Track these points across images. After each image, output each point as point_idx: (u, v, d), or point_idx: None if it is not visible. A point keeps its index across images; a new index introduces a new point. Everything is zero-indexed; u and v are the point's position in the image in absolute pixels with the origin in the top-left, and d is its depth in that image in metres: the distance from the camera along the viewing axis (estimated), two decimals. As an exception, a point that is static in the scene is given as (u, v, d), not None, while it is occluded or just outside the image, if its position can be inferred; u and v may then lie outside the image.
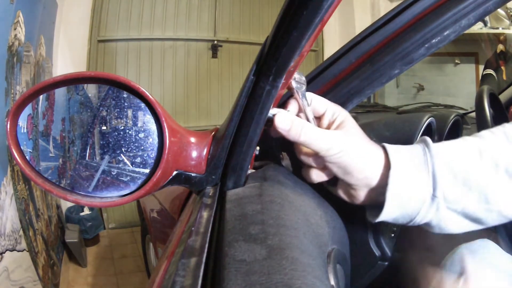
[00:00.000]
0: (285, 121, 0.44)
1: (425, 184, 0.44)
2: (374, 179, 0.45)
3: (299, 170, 0.52)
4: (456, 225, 0.47)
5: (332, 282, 0.34)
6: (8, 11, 1.41)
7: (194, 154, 0.46)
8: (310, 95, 0.48)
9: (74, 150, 0.42)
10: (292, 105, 0.48)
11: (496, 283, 0.46)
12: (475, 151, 0.45)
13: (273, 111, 0.45)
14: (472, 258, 0.48)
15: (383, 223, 0.56)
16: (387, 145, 0.46)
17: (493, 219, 0.46)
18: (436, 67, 2.96)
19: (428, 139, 0.47)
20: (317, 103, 0.48)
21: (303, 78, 0.47)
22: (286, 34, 0.36)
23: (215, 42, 3.10)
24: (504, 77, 2.49)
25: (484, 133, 0.47)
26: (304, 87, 0.47)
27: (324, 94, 0.54)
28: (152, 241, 1.57)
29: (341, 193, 0.49)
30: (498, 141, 0.46)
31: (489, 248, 0.50)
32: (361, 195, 0.47)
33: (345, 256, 0.47)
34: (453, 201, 0.44)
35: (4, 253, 1.28)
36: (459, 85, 2.82)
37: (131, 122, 0.41)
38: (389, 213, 0.45)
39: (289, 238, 0.33)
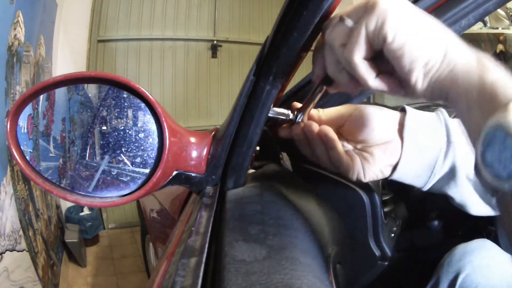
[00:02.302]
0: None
1: (440, 133, 0.46)
2: (391, 135, 0.46)
3: (299, 170, 0.52)
4: (470, 199, 0.47)
5: (332, 282, 0.34)
6: (8, 11, 1.41)
7: (194, 154, 0.46)
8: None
9: (74, 150, 0.42)
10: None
11: (494, 282, 0.46)
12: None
13: (273, 110, 0.45)
14: (470, 257, 0.48)
15: (383, 222, 0.56)
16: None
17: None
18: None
19: (441, 109, 0.49)
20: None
21: None
22: (286, 34, 0.36)
23: (215, 42, 3.10)
24: (504, 77, 2.48)
25: None
26: None
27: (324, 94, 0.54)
28: (152, 241, 1.57)
29: (357, 162, 0.48)
30: None
31: (487, 248, 0.50)
32: (376, 154, 0.46)
33: (345, 256, 0.47)
34: (466, 159, 0.45)
35: (4, 253, 1.28)
36: (459, 85, 2.81)
37: (131, 122, 0.41)
38: (408, 162, 0.46)
39: (289, 238, 0.33)
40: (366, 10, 0.32)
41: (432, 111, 0.49)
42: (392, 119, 0.47)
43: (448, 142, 0.45)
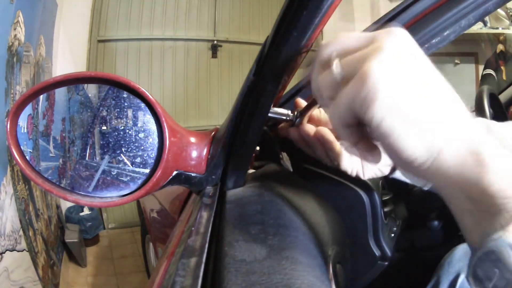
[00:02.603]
0: None
1: None
2: None
3: (299, 170, 0.52)
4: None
5: (332, 282, 0.34)
6: (8, 11, 1.41)
7: (194, 154, 0.46)
8: None
9: (74, 150, 0.42)
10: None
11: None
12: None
13: (273, 110, 0.45)
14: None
15: (383, 222, 0.56)
16: None
17: None
18: (436, 66, 2.95)
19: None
20: None
21: None
22: (286, 34, 0.36)
23: (215, 42, 3.10)
24: (504, 77, 2.49)
25: None
26: None
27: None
28: (152, 241, 1.57)
29: (356, 161, 0.46)
30: None
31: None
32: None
33: (345, 256, 0.47)
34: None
35: (4, 253, 1.28)
36: (459, 85, 2.80)
37: (131, 122, 0.41)
38: None
39: (289, 238, 0.33)
40: (356, 77, 0.26)
41: None
42: None
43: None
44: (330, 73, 0.28)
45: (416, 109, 0.24)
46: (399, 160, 0.26)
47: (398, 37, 0.26)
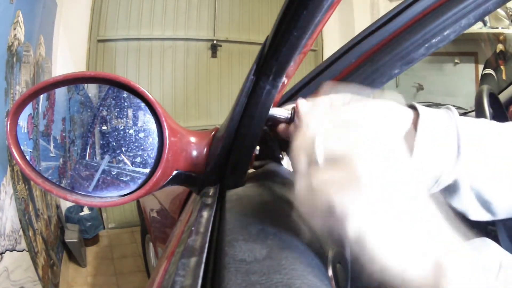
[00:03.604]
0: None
1: (450, 142, 0.44)
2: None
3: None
4: (471, 206, 0.46)
5: (332, 282, 0.34)
6: (8, 11, 1.41)
7: (194, 154, 0.46)
8: None
9: (75, 150, 0.42)
10: None
11: (495, 282, 0.46)
12: (491, 127, 0.46)
13: (273, 110, 0.45)
14: None
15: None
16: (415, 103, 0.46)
17: (502, 207, 0.45)
18: (435, 66, 2.96)
19: (450, 106, 0.47)
20: None
21: None
22: (286, 34, 0.36)
23: (215, 41, 3.10)
24: (504, 77, 2.49)
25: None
26: None
27: (324, 94, 0.54)
28: (152, 241, 1.57)
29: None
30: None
31: (488, 247, 0.50)
32: None
33: (345, 256, 0.47)
34: (472, 170, 0.44)
35: (4, 253, 1.28)
36: (459, 85, 2.82)
37: (131, 122, 0.41)
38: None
39: (289, 238, 0.33)
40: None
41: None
42: (400, 120, 0.45)
43: (458, 153, 0.43)
44: (312, 153, 0.28)
45: (385, 233, 0.25)
46: None
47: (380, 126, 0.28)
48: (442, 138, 0.44)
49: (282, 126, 0.49)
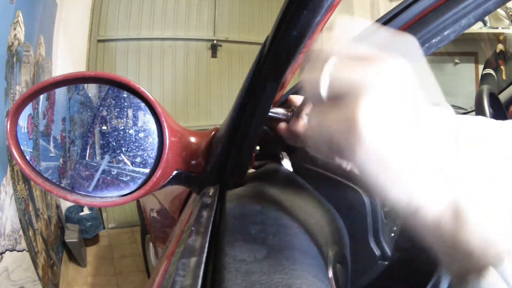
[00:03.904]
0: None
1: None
2: None
3: (299, 170, 0.52)
4: None
5: (332, 281, 0.34)
6: (8, 11, 1.41)
7: (194, 154, 0.46)
8: None
9: (75, 150, 0.42)
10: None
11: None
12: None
13: (273, 110, 0.45)
14: None
15: (383, 222, 0.56)
16: None
17: None
18: (435, 66, 2.95)
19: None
20: None
21: None
22: (286, 34, 0.36)
23: (215, 41, 3.10)
24: (504, 77, 2.49)
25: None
26: None
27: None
28: (152, 241, 1.57)
29: None
30: None
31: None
32: None
33: (345, 255, 0.47)
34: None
35: (4, 253, 1.28)
36: (459, 85, 2.82)
37: (131, 121, 0.41)
38: None
39: (289, 238, 0.33)
40: (342, 113, 0.24)
41: None
42: None
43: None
44: (317, 87, 0.25)
45: (399, 162, 0.23)
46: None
47: (397, 71, 0.24)
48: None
49: (282, 125, 0.49)
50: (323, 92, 0.25)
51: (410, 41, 0.27)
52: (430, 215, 0.23)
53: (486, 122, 0.47)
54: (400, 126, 0.23)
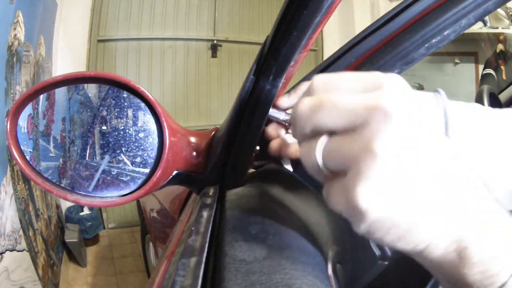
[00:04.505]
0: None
1: (437, 121, 0.42)
2: None
3: (299, 170, 0.52)
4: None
5: (332, 281, 0.34)
6: (8, 11, 1.41)
7: (194, 154, 0.46)
8: None
9: (75, 150, 0.42)
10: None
11: None
12: (482, 110, 0.46)
13: (273, 111, 0.45)
14: None
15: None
16: None
17: (498, 193, 0.45)
18: (436, 66, 2.96)
19: (439, 89, 0.47)
20: None
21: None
22: (286, 34, 0.36)
23: (215, 41, 3.10)
24: (504, 77, 2.49)
25: None
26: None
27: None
28: (152, 241, 1.57)
29: None
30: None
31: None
32: None
33: (345, 256, 0.47)
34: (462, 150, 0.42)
35: (4, 253, 1.28)
36: (459, 85, 2.82)
37: (131, 121, 0.41)
38: None
39: (289, 238, 0.33)
40: (344, 199, 0.23)
41: None
42: None
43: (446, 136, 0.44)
44: (314, 163, 0.25)
45: (405, 221, 0.22)
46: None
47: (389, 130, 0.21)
48: (428, 119, 0.44)
49: (274, 145, 0.48)
50: (323, 169, 0.25)
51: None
52: (435, 253, 0.23)
53: (486, 115, 0.47)
54: (401, 192, 0.22)
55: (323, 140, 0.24)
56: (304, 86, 0.44)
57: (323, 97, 0.24)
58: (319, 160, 0.24)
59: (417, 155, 0.22)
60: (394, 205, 0.22)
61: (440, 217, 0.22)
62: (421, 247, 0.23)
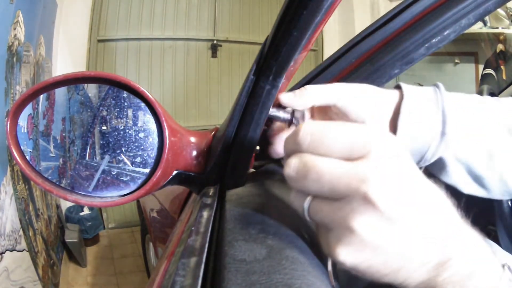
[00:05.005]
0: (288, 94, 0.44)
1: (436, 119, 0.44)
2: (386, 115, 0.44)
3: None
4: (462, 180, 0.46)
5: (332, 281, 0.34)
6: (8, 11, 1.41)
7: (194, 154, 0.46)
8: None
9: (75, 150, 0.42)
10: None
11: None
12: (482, 103, 0.47)
13: (273, 110, 0.45)
14: None
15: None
16: (401, 83, 0.46)
17: (495, 184, 0.45)
18: (436, 66, 2.96)
19: (438, 83, 0.47)
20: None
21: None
22: (286, 34, 0.36)
23: (215, 41, 3.10)
24: (504, 77, 2.49)
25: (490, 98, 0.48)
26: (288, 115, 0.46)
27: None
28: (152, 241, 1.57)
29: None
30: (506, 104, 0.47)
31: (491, 247, 0.50)
32: None
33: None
34: (460, 144, 0.44)
35: (4, 253, 1.28)
36: (459, 85, 2.82)
37: (131, 121, 0.41)
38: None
39: (289, 238, 0.33)
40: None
41: None
42: (382, 105, 0.45)
43: (443, 133, 0.43)
44: (301, 210, 0.28)
45: (385, 267, 0.26)
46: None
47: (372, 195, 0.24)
48: (427, 117, 0.44)
49: (276, 130, 0.49)
50: (309, 220, 0.28)
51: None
52: (412, 285, 0.26)
53: (485, 108, 0.47)
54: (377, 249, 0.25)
55: (308, 200, 0.27)
56: (302, 95, 0.44)
57: (308, 163, 0.26)
58: (306, 215, 0.28)
59: (390, 232, 0.25)
60: (368, 262, 0.26)
61: (413, 265, 0.26)
62: (399, 280, 0.26)
